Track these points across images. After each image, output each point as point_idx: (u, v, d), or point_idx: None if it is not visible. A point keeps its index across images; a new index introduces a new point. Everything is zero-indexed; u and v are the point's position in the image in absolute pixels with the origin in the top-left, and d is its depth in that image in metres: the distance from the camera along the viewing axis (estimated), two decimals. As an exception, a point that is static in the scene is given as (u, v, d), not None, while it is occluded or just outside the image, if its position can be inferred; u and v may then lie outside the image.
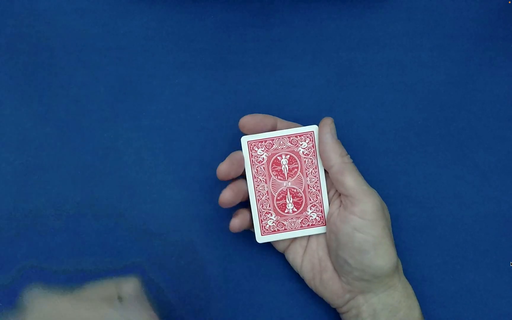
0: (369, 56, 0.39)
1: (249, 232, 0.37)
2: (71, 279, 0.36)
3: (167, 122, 0.38)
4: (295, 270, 0.35)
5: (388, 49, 0.39)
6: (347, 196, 0.31)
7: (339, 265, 0.31)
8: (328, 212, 0.33)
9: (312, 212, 0.33)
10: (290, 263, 0.35)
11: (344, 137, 0.38)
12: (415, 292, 0.32)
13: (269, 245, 0.37)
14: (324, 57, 0.39)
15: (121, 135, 0.38)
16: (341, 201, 0.32)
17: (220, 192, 0.33)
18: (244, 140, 0.33)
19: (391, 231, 0.32)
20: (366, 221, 0.30)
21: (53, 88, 0.38)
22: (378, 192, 0.32)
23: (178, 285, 0.36)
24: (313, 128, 0.32)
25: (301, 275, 0.34)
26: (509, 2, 0.39)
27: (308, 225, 0.34)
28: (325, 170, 0.33)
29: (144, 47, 0.39)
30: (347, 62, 0.39)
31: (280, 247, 0.35)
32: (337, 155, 0.31)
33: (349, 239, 0.30)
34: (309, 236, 0.34)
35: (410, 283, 0.33)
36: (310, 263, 0.33)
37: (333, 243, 0.32)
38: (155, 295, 0.37)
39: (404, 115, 0.38)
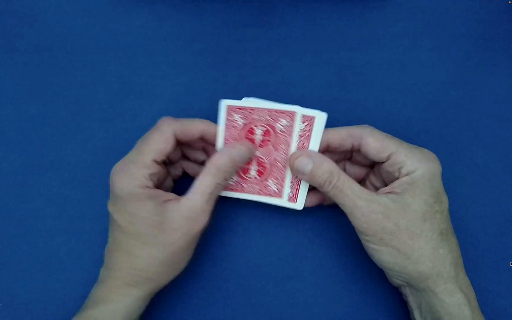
0: (369, 56, 0.39)
1: (249, 233, 0.37)
2: (71, 279, 0.36)
3: (167, 122, 0.38)
4: None
5: (388, 49, 0.39)
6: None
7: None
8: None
9: (273, 183, 0.34)
10: None
11: (344, 137, 0.38)
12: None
13: (269, 245, 0.37)
14: (324, 57, 0.39)
15: (121, 135, 0.38)
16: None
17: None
18: (224, 104, 0.33)
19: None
20: None
21: (53, 88, 0.38)
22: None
23: (178, 285, 0.36)
24: (296, 109, 0.32)
25: None
26: (509, 2, 0.40)
27: (266, 193, 0.34)
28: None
29: (144, 47, 0.39)
30: (347, 62, 0.39)
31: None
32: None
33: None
34: None
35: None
36: None
37: None
38: (155, 295, 0.37)
39: (404, 115, 0.38)
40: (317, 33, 0.39)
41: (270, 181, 0.34)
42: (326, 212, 0.37)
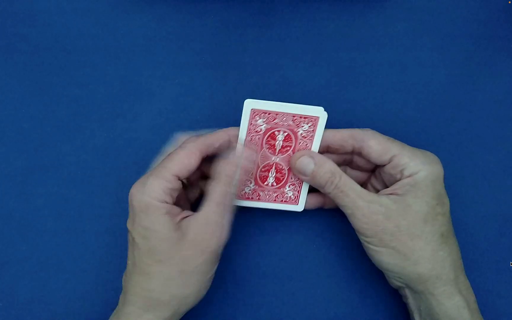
0: (369, 56, 0.39)
1: (249, 233, 0.37)
2: (71, 279, 0.36)
3: (167, 122, 0.38)
4: None
5: (388, 49, 0.39)
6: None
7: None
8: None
9: (290, 190, 0.34)
10: None
11: (344, 137, 0.38)
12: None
13: (269, 245, 0.37)
14: (324, 57, 0.39)
15: (121, 135, 0.38)
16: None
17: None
18: (248, 106, 0.30)
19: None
20: None
21: (53, 88, 0.38)
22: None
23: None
24: (319, 113, 0.31)
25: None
26: (509, 2, 0.40)
27: (282, 200, 0.34)
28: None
29: (144, 47, 0.39)
30: (347, 62, 0.39)
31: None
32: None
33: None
34: None
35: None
36: None
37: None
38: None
39: (404, 115, 0.38)
40: (317, 33, 0.39)
41: (287, 188, 0.34)
42: (326, 213, 0.37)
